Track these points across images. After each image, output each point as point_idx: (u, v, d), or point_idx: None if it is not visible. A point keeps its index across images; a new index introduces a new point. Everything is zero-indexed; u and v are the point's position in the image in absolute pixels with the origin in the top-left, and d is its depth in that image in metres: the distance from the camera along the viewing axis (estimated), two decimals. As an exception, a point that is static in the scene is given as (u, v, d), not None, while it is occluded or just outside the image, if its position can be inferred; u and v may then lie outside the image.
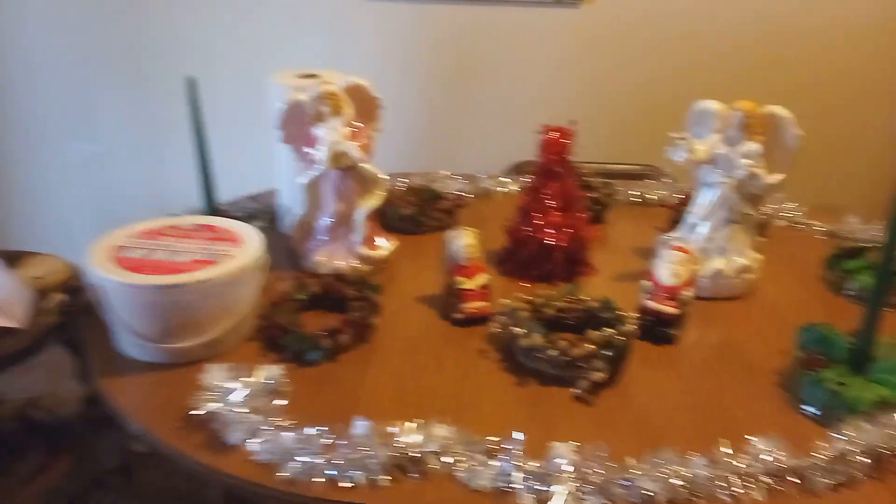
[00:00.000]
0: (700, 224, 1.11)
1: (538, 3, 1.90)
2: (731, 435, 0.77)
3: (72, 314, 1.02)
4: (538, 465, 0.72)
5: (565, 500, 0.69)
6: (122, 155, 2.10)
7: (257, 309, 0.96)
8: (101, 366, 0.90)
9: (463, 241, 1.00)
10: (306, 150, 1.08)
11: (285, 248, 1.15)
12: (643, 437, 0.78)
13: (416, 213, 1.30)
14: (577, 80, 1.98)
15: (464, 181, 1.49)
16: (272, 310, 0.96)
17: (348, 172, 1.08)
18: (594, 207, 1.32)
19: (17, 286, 1.02)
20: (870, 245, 1.17)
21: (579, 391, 0.85)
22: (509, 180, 1.52)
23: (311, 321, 0.96)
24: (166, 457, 0.78)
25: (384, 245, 1.16)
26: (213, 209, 1.15)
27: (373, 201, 1.11)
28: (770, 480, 0.72)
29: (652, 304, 0.96)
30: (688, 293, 0.97)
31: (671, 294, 0.96)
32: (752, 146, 1.05)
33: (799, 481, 0.72)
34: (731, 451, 0.74)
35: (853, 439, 0.75)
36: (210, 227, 1.01)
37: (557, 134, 1.11)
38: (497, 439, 0.75)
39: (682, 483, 0.70)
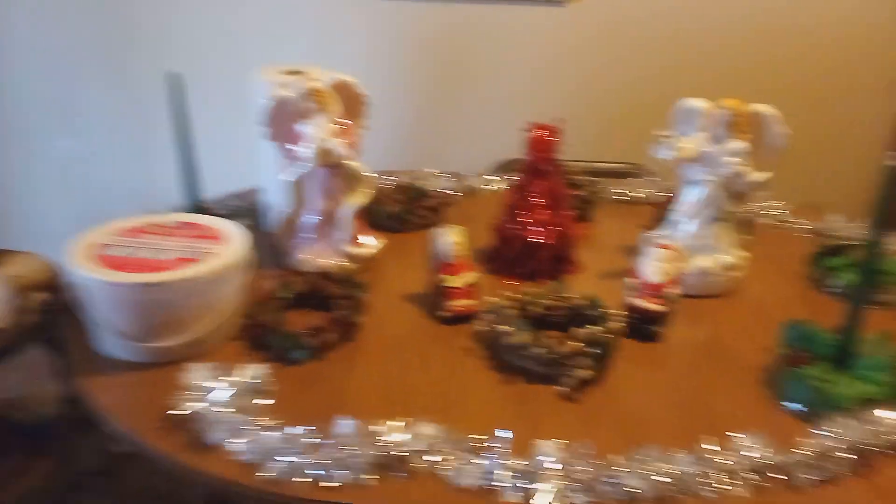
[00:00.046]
0: (686, 222, 1.11)
1: (525, 0, 1.90)
2: (716, 431, 0.77)
3: (52, 313, 1.01)
4: (524, 462, 0.72)
5: (551, 498, 0.69)
6: (105, 152, 2.07)
7: (241, 308, 0.95)
8: (81, 365, 0.89)
9: (449, 238, 1.00)
10: (292, 147, 1.07)
11: (270, 246, 1.14)
12: (629, 435, 0.78)
13: (403, 211, 1.30)
14: (563, 79, 1.98)
15: (450, 179, 1.49)
16: (257, 308, 0.95)
17: (334, 170, 1.08)
18: (580, 206, 1.33)
19: (-3, 285, 1.01)
20: (853, 243, 1.18)
21: (565, 389, 0.85)
22: (496, 178, 1.52)
23: (297, 320, 0.96)
24: (148, 457, 0.77)
25: (370, 243, 1.16)
26: (197, 207, 1.14)
27: (359, 199, 1.10)
28: (755, 477, 0.72)
29: (638, 302, 0.96)
30: (673, 291, 0.97)
31: (657, 292, 0.96)
32: (738, 144, 1.05)
33: (783, 477, 0.72)
34: (716, 448, 0.74)
35: (837, 436, 0.75)
36: (194, 225, 1.00)
37: (544, 132, 1.11)
38: (483, 437, 0.75)
39: (667, 480, 0.70)
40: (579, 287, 1.02)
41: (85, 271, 0.86)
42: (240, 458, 0.73)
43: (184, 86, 1.09)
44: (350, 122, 1.10)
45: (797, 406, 0.83)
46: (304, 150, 1.05)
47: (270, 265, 1.11)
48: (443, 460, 0.73)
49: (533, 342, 0.87)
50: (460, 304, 1.00)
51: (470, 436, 0.75)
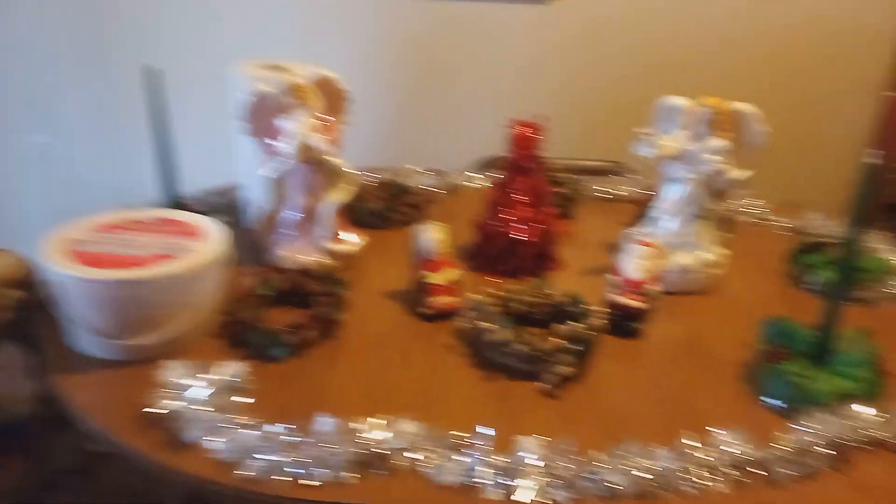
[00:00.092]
0: (667, 219, 1.11)
1: (507, -2, 1.90)
2: (696, 427, 0.77)
3: (27, 310, 0.99)
4: (505, 459, 0.71)
5: (533, 495, 0.69)
6: (82, 147, 2.04)
7: (220, 305, 0.94)
8: (56, 363, 0.87)
9: (431, 235, 1.00)
10: (272, 142, 1.06)
11: (250, 243, 1.13)
12: (610, 431, 0.78)
13: (385, 208, 1.29)
14: (546, 76, 1.99)
15: (433, 176, 1.48)
16: (236, 305, 0.94)
17: (315, 166, 1.07)
18: (563, 203, 1.33)
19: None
20: (832, 240, 1.19)
21: (547, 385, 0.85)
22: (478, 175, 1.52)
23: (277, 317, 0.95)
24: (124, 456, 0.75)
25: (352, 240, 1.15)
26: (176, 203, 1.12)
27: (340, 196, 1.10)
28: (734, 472, 0.72)
29: (619, 299, 0.97)
30: (654, 288, 0.97)
31: (637, 288, 0.96)
32: (719, 142, 1.06)
33: (763, 473, 0.73)
34: (696, 444, 0.74)
35: (815, 431, 0.76)
36: (171, 221, 0.99)
37: (527, 129, 1.11)
38: (464, 434, 0.74)
39: (648, 476, 0.70)
40: (561, 284, 1.02)
41: (59, 268, 0.84)
42: (218, 456, 0.72)
43: (162, 80, 1.07)
44: (331, 118, 1.09)
45: (776, 402, 0.84)
46: (285, 145, 1.04)
47: (250, 262, 1.10)
48: (424, 458, 0.72)
49: (515, 339, 0.87)
50: (442, 301, 0.99)
51: (451, 433, 0.75)
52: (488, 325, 0.89)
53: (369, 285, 1.08)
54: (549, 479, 0.70)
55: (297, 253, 1.10)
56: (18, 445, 1.13)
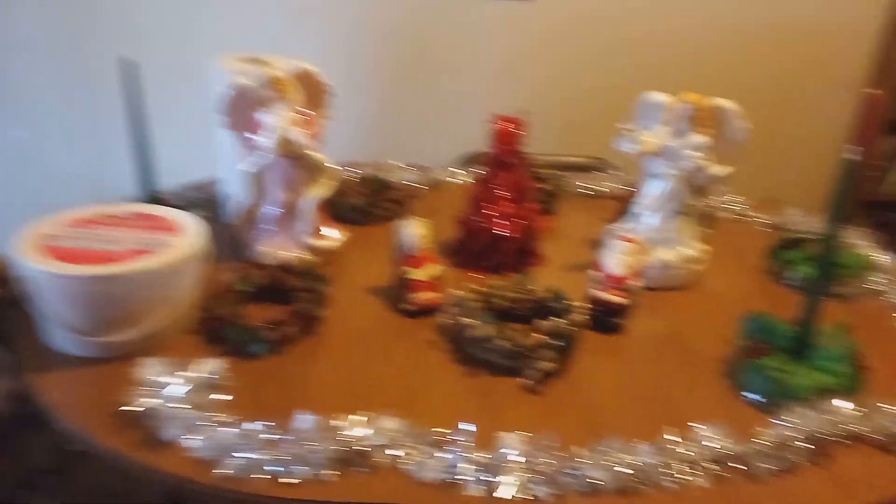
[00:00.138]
0: (648, 215, 1.11)
1: (490, -6, 1.89)
2: (677, 422, 0.77)
3: (0, 307, 0.97)
4: (487, 456, 0.71)
5: (514, 491, 0.68)
6: (56, 141, 2.01)
7: (198, 301, 0.93)
8: (31, 361, 0.86)
9: (413, 231, 0.99)
10: (251, 136, 1.05)
11: (229, 238, 1.11)
12: (591, 426, 0.78)
13: (367, 203, 1.28)
14: (528, 72, 1.99)
15: (415, 171, 1.47)
16: (214, 301, 0.93)
17: (296, 160, 1.06)
18: (545, 199, 1.32)
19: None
20: (811, 237, 1.20)
21: (529, 381, 0.85)
22: (461, 171, 1.51)
23: (257, 313, 0.93)
24: (100, 455, 0.74)
25: (333, 236, 1.14)
26: (153, 197, 1.11)
27: (321, 191, 1.08)
28: (715, 467, 0.73)
29: (600, 295, 0.97)
30: (635, 283, 0.97)
31: (619, 284, 0.96)
32: (700, 138, 1.06)
33: (743, 467, 0.73)
34: (677, 439, 0.74)
35: (795, 426, 0.76)
36: (148, 216, 0.97)
37: (509, 124, 1.11)
38: (446, 431, 0.74)
39: (629, 471, 0.70)
40: (543, 280, 1.01)
41: (33, 263, 0.83)
42: (196, 455, 0.71)
43: (138, 73, 1.05)
44: (312, 111, 1.08)
45: (756, 397, 0.84)
46: (265, 139, 1.03)
47: (229, 257, 1.09)
48: (405, 454, 0.72)
49: (497, 335, 0.87)
50: (424, 296, 0.99)
51: (433, 429, 0.74)
52: (470, 320, 0.89)
53: (351, 281, 1.07)
54: (530, 475, 0.69)
55: (277, 248, 1.09)
56: (-8, 445, 1.11)
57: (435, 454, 0.72)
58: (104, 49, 1.88)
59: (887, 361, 0.92)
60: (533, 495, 0.69)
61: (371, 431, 0.73)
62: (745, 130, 1.06)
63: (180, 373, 0.78)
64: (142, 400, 0.74)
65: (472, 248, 1.14)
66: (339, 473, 0.70)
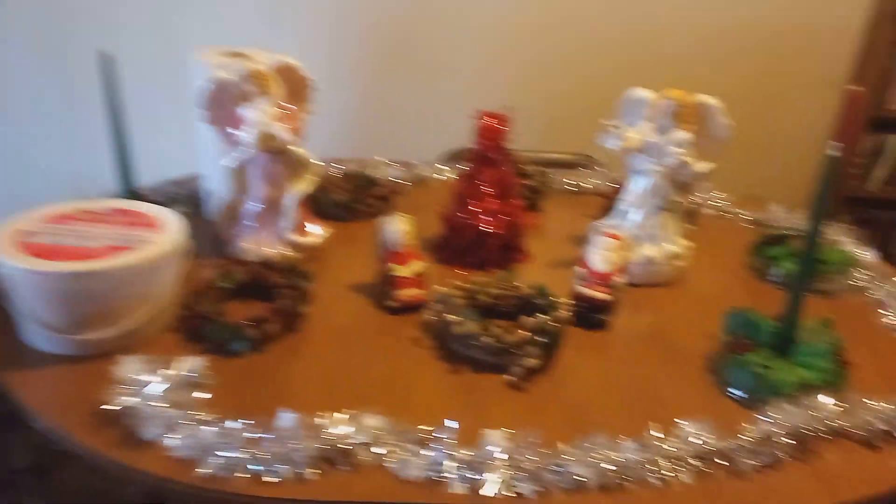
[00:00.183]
0: (631, 211, 1.11)
1: (475, -11, 1.88)
2: (661, 419, 0.77)
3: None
4: (471, 453, 0.71)
5: (497, 489, 0.68)
6: (35, 135, 1.98)
7: (178, 298, 0.92)
8: (7, 359, 0.84)
9: (397, 227, 0.98)
10: (233, 131, 1.04)
11: (210, 235, 1.10)
12: (575, 423, 0.78)
13: (350, 199, 1.27)
14: (513, 68, 1.98)
15: (399, 168, 1.47)
16: (194, 298, 0.92)
17: (278, 156, 1.04)
18: (530, 195, 1.32)
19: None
20: (793, 233, 1.20)
21: (513, 378, 0.84)
22: (445, 167, 1.51)
23: (238, 311, 0.92)
24: (79, 454, 0.73)
25: (316, 232, 1.13)
26: (132, 193, 1.09)
27: (304, 186, 1.07)
28: (698, 463, 0.73)
29: (585, 291, 0.96)
30: (619, 279, 0.97)
31: (603, 280, 0.96)
32: (683, 135, 1.06)
33: (726, 463, 0.73)
34: (661, 435, 0.74)
35: (778, 421, 0.76)
36: (127, 212, 0.95)
37: (494, 120, 1.10)
38: (430, 428, 0.73)
39: (613, 468, 0.70)
40: (528, 276, 1.01)
41: (9, 260, 0.81)
42: (176, 454, 0.70)
43: (117, 67, 1.04)
44: (294, 106, 1.07)
45: (740, 392, 0.84)
46: (246, 134, 1.02)
47: (210, 254, 1.07)
48: (389, 452, 0.71)
49: (481, 331, 0.86)
50: (408, 293, 0.98)
51: (417, 427, 0.74)
52: (455, 317, 0.89)
53: (334, 278, 1.06)
54: (514, 472, 0.69)
55: (259, 245, 1.07)
56: (-32, 445, 1.09)
57: (419, 452, 0.71)
58: (83, 43, 1.85)
59: (870, 357, 0.93)
60: (517, 492, 0.68)
61: (354, 429, 0.72)
62: (728, 127, 1.06)
63: (160, 371, 0.76)
64: (121, 398, 0.73)
65: (457, 245, 1.13)
66: (322, 472, 0.69)
